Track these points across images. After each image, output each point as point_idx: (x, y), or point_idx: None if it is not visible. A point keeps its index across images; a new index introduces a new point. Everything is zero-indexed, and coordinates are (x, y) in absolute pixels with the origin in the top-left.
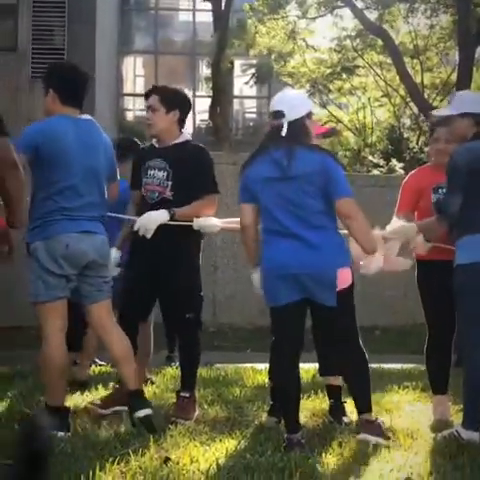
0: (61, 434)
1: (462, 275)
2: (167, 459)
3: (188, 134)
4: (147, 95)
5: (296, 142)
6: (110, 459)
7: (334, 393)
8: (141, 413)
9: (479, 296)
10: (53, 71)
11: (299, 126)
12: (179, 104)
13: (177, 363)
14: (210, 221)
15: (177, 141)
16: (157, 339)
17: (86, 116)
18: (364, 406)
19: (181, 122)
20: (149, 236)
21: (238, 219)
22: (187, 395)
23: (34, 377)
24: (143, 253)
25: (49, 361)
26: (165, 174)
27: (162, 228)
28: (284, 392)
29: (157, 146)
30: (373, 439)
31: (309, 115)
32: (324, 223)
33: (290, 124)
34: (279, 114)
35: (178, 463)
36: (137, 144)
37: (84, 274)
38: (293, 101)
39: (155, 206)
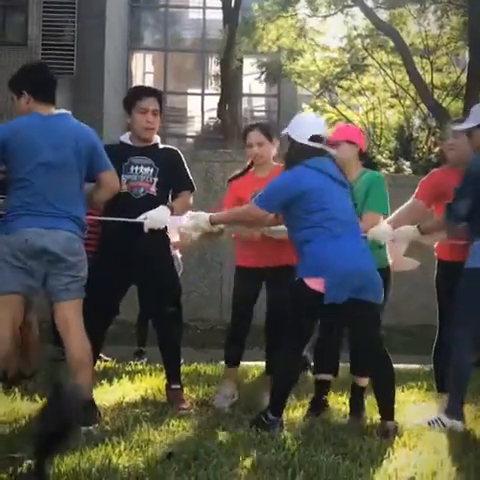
0: None
1: (467, 278)
2: (170, 454)
3: (158, 137)
4: (143, 93)
5: None
6: (113, 454)
7: (324, 388)
8: (84, 429)
9: (476, 300)
10: (24, 73)
11: None
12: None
13: (146, 359)
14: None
15: (155, 142)
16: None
17: (60, 111)
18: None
19: None
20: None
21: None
22: (179, 386)
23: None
24: (113, 251)
25: None
26: (152, 171)
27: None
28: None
29: (133, 144)
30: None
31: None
32: None
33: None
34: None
35: (181, 459)
36: None
37: (51, 271)
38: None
39: (140, 201)
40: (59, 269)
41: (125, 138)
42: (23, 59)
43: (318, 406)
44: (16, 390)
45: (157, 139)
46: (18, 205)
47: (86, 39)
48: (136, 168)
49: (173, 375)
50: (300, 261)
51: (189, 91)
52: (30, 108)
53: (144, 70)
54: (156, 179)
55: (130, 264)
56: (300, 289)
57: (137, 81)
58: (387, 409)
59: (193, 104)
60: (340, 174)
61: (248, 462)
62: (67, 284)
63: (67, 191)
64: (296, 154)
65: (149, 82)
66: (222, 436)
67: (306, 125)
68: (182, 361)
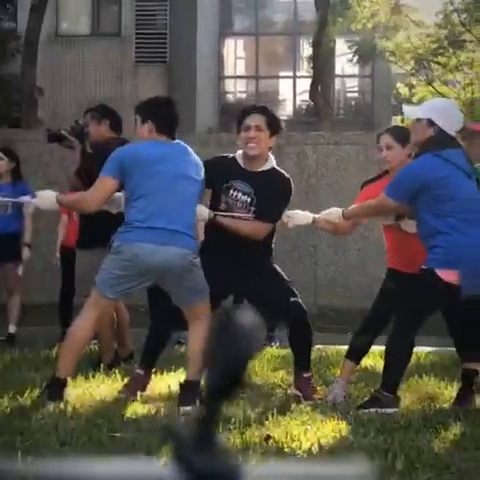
0: None
1: None
2: (268, 437)
3: (273, 159)
4: (248, 112)
5: None
6: None
7: (473, 377)
8: (183, 409)
9: None
10: (155, 105)
11: None
12: (278, 129)
13: (277, 343)
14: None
15: (265, 168)
16: None
17: (177, 141)
18: None
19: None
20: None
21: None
22: (310, 374)
23: None
24: (219, 256)
25: (73, 337)
26: (249, 200)
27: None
28: None
29: (243, 166)
30: None
31: None
32: None
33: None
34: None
35: (279, 442)
36: None
37: (165, 280)
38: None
39: None
40: (175, 281)
41: (239, 156)
42: (117, 50)
43: (468, 396)
44: (116, 372)
45: (269, 164)
46: (134, 218)
47: (178, 27)
48: (234, 193)
49: (303, 363)
50: (430, 252)
51: (281, 74)
52: (150, 137)
53: (235, 56)
54: (253, 208)
55: (234, 279)
56: (432, 280)
57: (229, 67)
58: None
59: (285, 87)
60: (468, 165)
61: (348, 445)
62: (186, 292)
63: (183, 207)
64: (440, 143)
65: (241, 68)
66: (320, 419)
67: (456, 117)
68: (278, 344)
